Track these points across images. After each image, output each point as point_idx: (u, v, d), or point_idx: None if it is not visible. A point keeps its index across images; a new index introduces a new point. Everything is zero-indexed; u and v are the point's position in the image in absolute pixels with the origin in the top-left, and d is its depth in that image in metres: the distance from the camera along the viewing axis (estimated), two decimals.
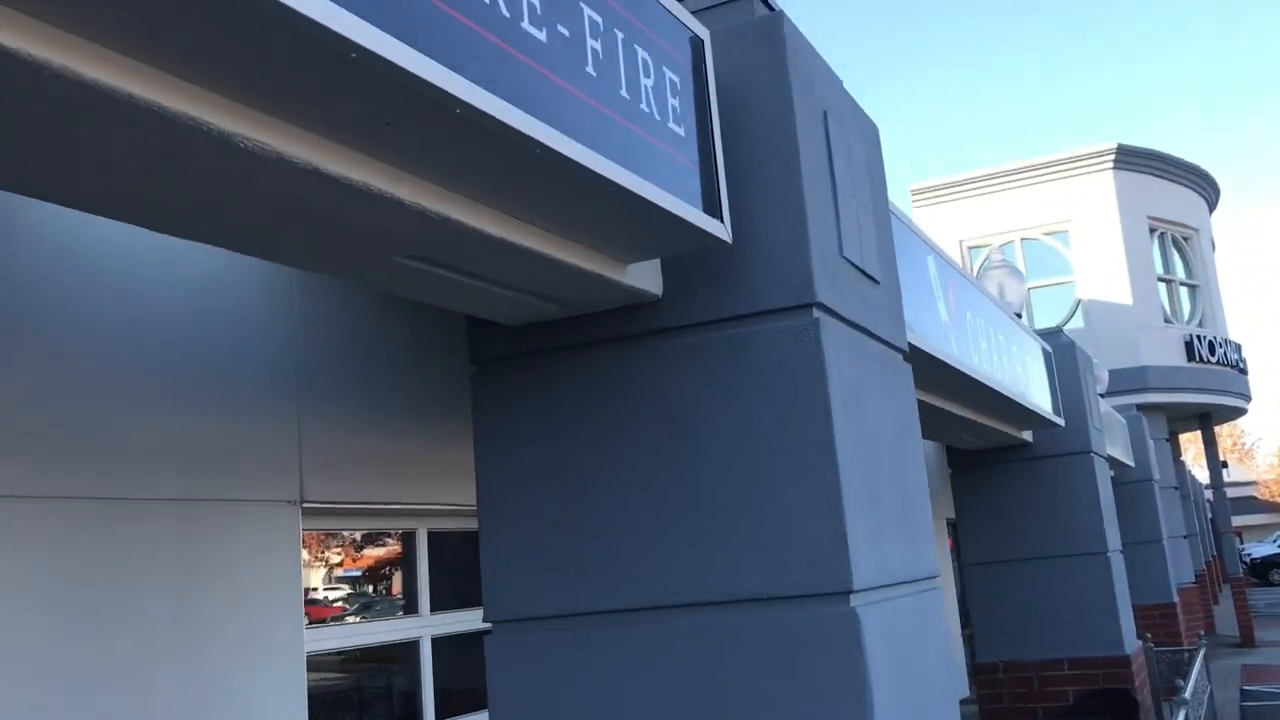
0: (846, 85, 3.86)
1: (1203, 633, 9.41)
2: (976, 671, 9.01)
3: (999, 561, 8.95)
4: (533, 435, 3.38)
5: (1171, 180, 19.36)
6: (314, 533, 5.15)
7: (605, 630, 3.21)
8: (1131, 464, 14.24)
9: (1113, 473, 14.31)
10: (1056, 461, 8.85)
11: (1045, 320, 18.88)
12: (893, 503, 3.46)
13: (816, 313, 3.10)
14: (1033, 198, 18.86)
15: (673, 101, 2.78)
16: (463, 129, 2.06)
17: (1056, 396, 8.52)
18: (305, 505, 4.61)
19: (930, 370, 5.25)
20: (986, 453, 8.99)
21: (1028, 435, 8.77)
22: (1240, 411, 20.94)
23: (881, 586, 3.22)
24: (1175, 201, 19.41)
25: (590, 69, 2.41)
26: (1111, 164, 18.43)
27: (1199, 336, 18.58)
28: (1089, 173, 18.54)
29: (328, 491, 4.71)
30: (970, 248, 19.38)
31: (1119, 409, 14.73)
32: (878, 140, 4.09)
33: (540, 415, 3.38)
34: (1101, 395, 15.08)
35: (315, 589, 5.12)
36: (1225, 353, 19.06)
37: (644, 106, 2.63)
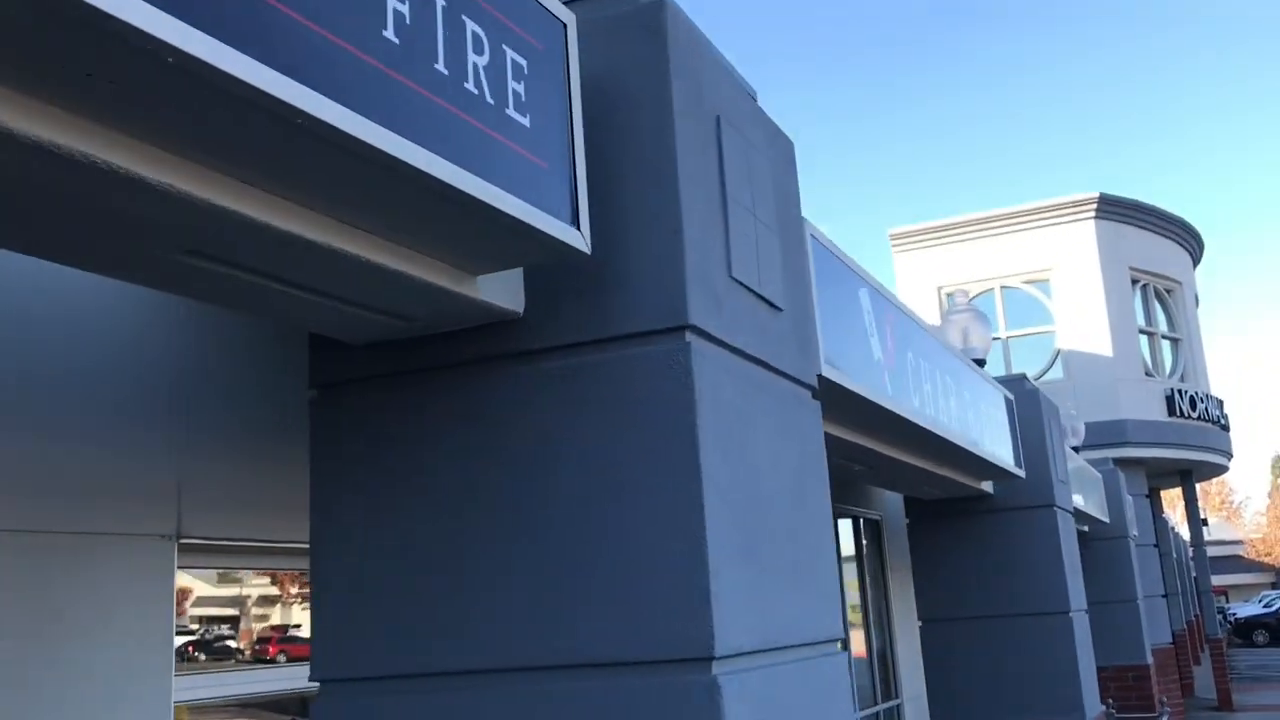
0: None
1: (1164, 699, 9.01)
2: None
3: (956, 619, 8.52)
4: (376, 470, 2.99)
5: (1154, 231, 19.12)
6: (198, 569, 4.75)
7: (446, 695, 2.80)
8: (1106, 520, 13.83)
9: (1086, 528, 13.92)
10: (1017, 514, 8.46)
11: (1026, 370, 18.54)
12: (782, 554, 3.07)
13: (690, 337, 2.73)
14: (1014, 245, 18.59)
15: (515, 86, 2.42)
16: (188, 86, 1.69)
17: (1018, 447, 8.15)
18: (183, 541, 4.21)
19: (860, 412, 4.87)
20: (945, 503, 8.60)
21: (987, 486, 8.38)
22: (1222, 469, 20.58)
23: (760, 651, 2.82)
24: (1158, 253, 19.15)
25: (390, 33, 2.05)
26: (1093, 213, 18.18)
27: (1180, 391, 18.26)
28: (1070, 221, 18.29)
29: (209, 527, 4.31)
30: (948, 294, 19.06)
31: (1096, 463, 14.35)
32: (791, 156, 3.74)
33: (385, 448, 2.99)
34: (1077, 448, 14.72)
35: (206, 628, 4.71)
36: (1207, 408, 18.73)
37: (470, 86, 2.27)
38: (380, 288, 2.61)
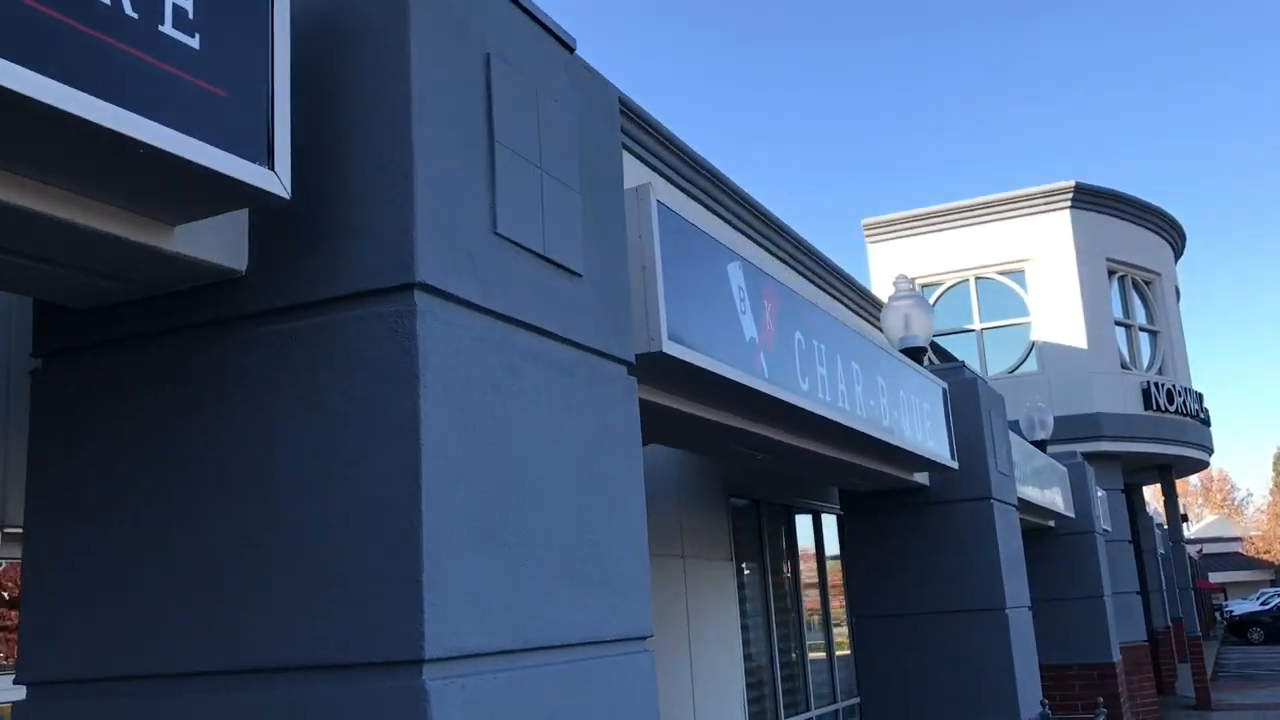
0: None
1: (1101, 699, 8.69)
2: None
3: (887, 615, 8.21)
4: (89, 450, 2.68)
5: (1133, 222, 18.73)
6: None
7: (148, 700, 2.49)
8: (1071, 514, 13.50)
9: (1052, 523, 13.60)
10: (952, 507, 8.13)
11: (1001, 363, 18.22)
12: (559, 543, 2.75)
13: (419, 297, 2.41)
14: (989, 235, 18.22)
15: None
16: None
17: (951, 437, 7.82)
18: (7, 530, 3.91)
19: (728, 394, 4.55)
20: (879, 496, 8.28)
21: (922, 478, 8.05)
22: (1202, 464, 20.22)
23: (514, 652, 2.51)
24: (1137, 244, 18.77)
25: None
26: (1069, 203, 17.81)
27: (1157, 384, 17.89)
28: (1046, 211, 17.91)
29: None
30: (924, 285, 18.71)
31: (1063, 457, 14.02)
32: (609, 111, 3.42)
33: (98, 426, 2.68)
34: (1045, 442, 14.39)
35: None
36: (1185, 402, 18.36)
37: None
38: (70, 245, 2.31)
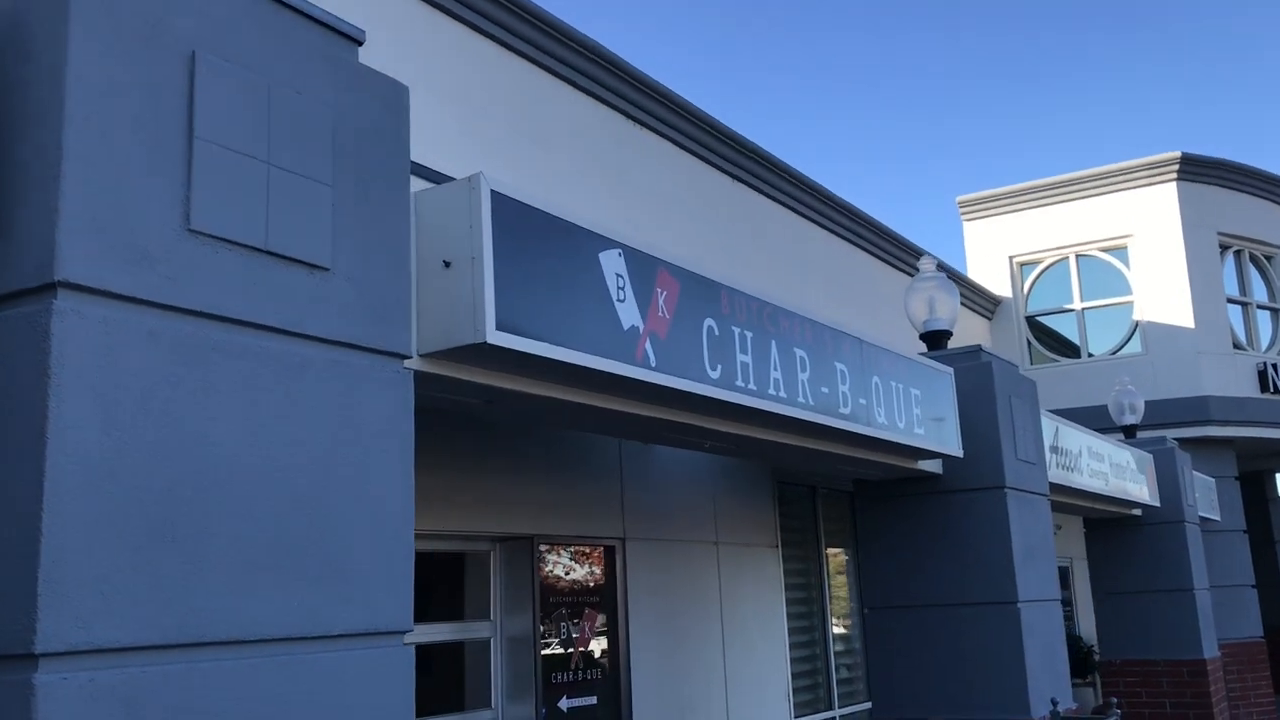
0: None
1: (1115, 699, 8.22)
2: None
3: (896, 607, 7.95)
4: None
5: (1249, 193, 17.59)
6: None
7: None
8: (1157, 503, 12.81)
9: (1137, 512, 12.92)
10: (965, 496, 7.82)
11: (1102, 344, 17.40)
12: (253, 538, 2.76)
13: (64, 295, 2.45)
14: (1090, 211, 17.39)
15: None
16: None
17: (955, 424, 7.52)
18: None
19: (611, 384, 4.49)
20: (890, 484, 8.02)
21: (932, 466, 7.76)
22: None
23: (165, 647, 2.53)
24: (1254, 216, 17.62)
25: None
26: (1175, 175, 16.84)
27: (1276, 365, 16.78)
28: (1150, 184, 16.98)
29: None
30: (1021, 264, 18.02)
31: (1149, 443, 13.30)
32: (398, 105, 3.40)
33: None
34: (1135, 426, 13.68)
35: None
36: None
37: None
38: None
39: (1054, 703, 7.43)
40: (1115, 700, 8.44)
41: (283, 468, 2.85)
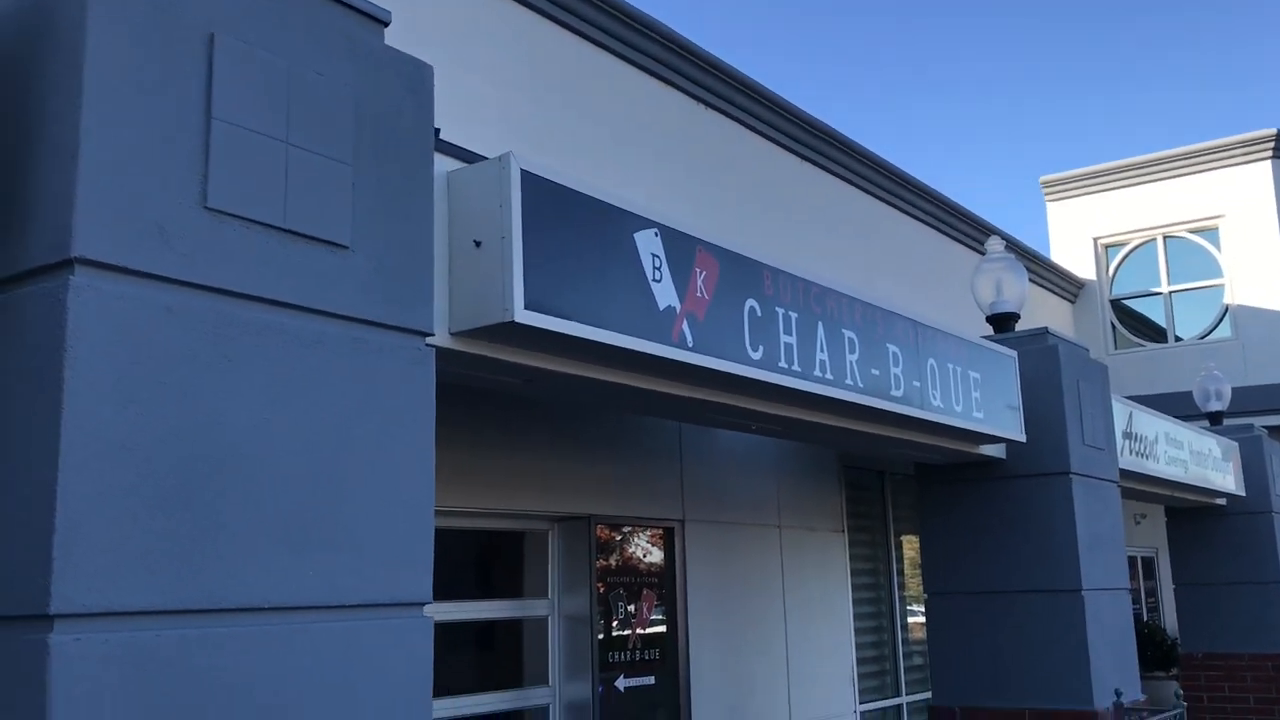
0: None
1: (1179, 691, 7.94)
2: (931, 715, 7.94)
3: (958, 593, 7.85)
4: None
5: None
6: None
7: None
8: (1242, 493, 12.42)
9: (1222, 502, 12.54)
10: (1028, 482, 7.68)
11: (1191, 328, 16.90)
12: (269, 510, 2.83)
13: (80, 272, 2.54)
14: (1179, 191, 16.88)
15: None
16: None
17: (1018, 408, 7.38)
18: None
19: (650, 365, 4.52)
20: (953, 468, 7.91)
21: (994, 451, 7.64)
22: None
23: (180, 612, 2.62)
24: None
25: None
26: (1271, 153, 16.25)
27: None
28: (1244, 163, 16.42)
29: None
30: (1106, 245, 17.58)
31: (1236, 430, 12.88)
32: (417, 87, 3.43)
33: None
34: (1220, 413, 13.26)
35: None
36: None
37: None
38: None
39: (1118, 693, 7.27)
40: (1180, 692, 8.20)
41: (301, 442, 2.92)
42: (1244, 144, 16.45)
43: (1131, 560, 16.19)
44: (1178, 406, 12.41)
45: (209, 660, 2.64)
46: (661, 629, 7.79)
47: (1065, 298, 17.40)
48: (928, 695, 8.28)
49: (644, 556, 7.85)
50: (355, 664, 2.96)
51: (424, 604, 3.19)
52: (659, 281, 4.48)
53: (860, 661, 10.42)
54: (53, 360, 2.49)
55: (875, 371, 5.86)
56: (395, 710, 3.03)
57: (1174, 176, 16.91)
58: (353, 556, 3.00)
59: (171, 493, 2.63)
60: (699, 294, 4.69)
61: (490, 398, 5.95)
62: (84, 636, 2.42)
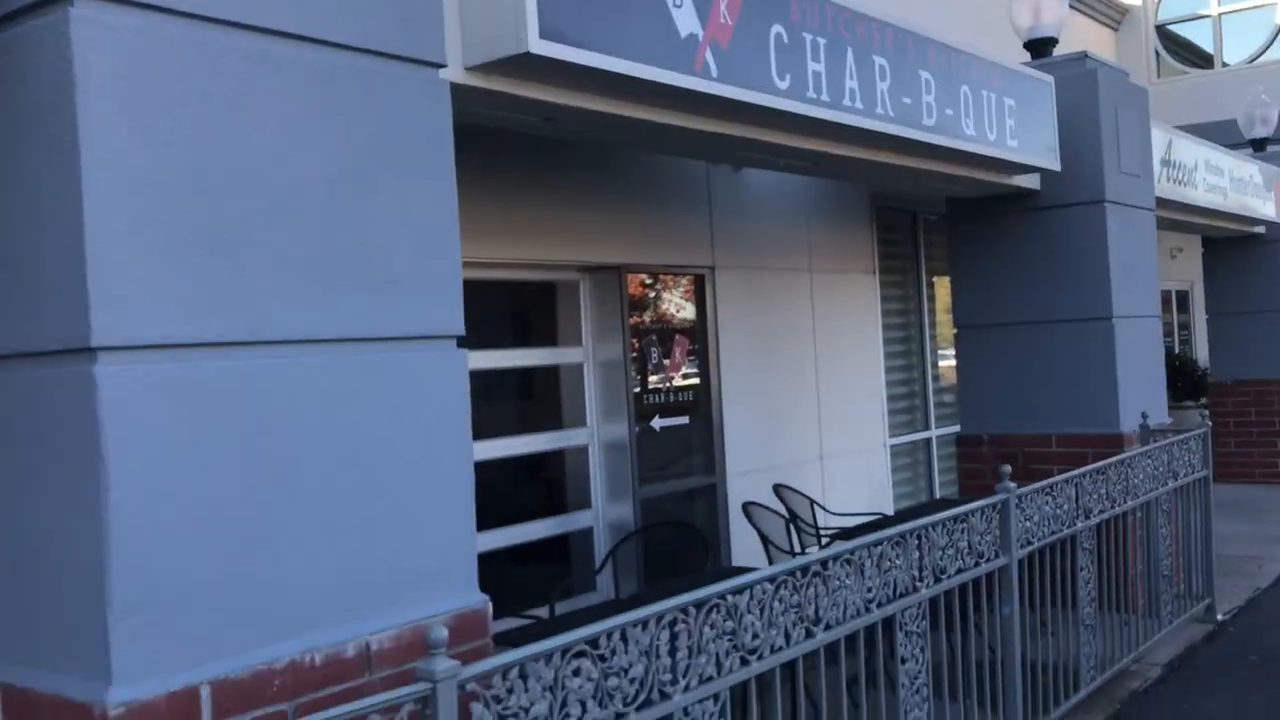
0: None
1: (1204, 411, 8.04)
2: (959, 444, 8.16)
3: (991, 325, 7.91)
4: None
5: None
6: None
7: None
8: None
9: (1262, 229, 12.37)
10: (1063, 212, 7.59)
11: (1239, 51, 16.22)
12: (297, 246, 2.86)
13: (80, 3, 2.48)
14: None
15: None
16: None
17: (1054, 135, 7.20)
18: None
19: (670, 97, 4.41)
20: (985, 201, 7.81)
21: (1029, 181, 7.51)
22: None
23: (220, 344, 2.68)
24: None
25: None
26: None
27: None
28: None
29: None
30: None
31: (1275, 157, 12.55)
32: None
33: None
34: (1265, 140, 12.88)
35: None
36: None
37: None
38: None
39: (1144, 416, 7.41)
40: (1204, 413, 8.33)
41: (320, 177, 2.92)
42: None
43: (1165, 294, 16.17)
44: (1223, 136, 12.04)
45: (252, 391, 2.72)
46: (695, 376, 7.94)
47: (1107, 25, 16.67)
48: (956, 428, 8.47)
49: (675, 304, 7.92)
50: (396, 391, 3.06)
51: (456, 336, 3.26)
52: (679, 7, 4.32)
53: (890, 399, 10.63)
54: (65, 97, 2.47)
55: (907, 100, 5.71)
56: (436, 434, 3.14)
57: None
58: (384, 292, 3.05)
59: (197, 229, 2.65)
60: (722, 20, 4.52)
61: (516, 147, 5.88)
62: (127, 368, 2.50)
